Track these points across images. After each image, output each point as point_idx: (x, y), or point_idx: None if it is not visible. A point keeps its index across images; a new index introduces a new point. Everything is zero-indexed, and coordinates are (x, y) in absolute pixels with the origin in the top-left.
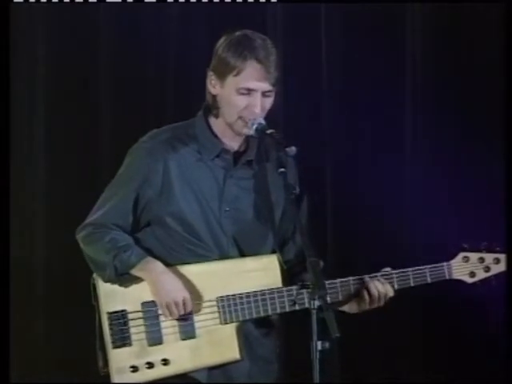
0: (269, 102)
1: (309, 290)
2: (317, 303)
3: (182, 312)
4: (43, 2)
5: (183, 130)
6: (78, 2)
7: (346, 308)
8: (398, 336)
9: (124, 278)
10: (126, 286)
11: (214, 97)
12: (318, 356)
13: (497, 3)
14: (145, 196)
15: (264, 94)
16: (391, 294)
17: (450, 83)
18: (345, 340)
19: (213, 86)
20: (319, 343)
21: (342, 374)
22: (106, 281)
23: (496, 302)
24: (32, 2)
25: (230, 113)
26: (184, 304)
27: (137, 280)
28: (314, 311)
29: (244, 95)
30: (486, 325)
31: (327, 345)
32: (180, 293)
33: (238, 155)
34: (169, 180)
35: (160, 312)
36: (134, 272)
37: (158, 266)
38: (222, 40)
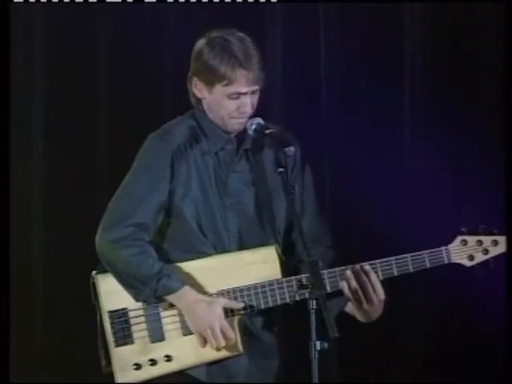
0: (256, 98)
1: (308, 291)
2: (316, 303)
3: (222, 342)
4: (43, 2)
5: (190, 123)
6: (78, 2)
7: (348, 309)
8: (397, 335)
9: (158, 300)
10: None
11: (200, 100)
12: (316, 356)
13: (497, 3)
14: (171, 188)
15: (252, 93)
16: (377, 282)
17: (449, 82)
18: (345, 340)
19: (199, 90)
20: (318, 343)
21: (341, 374)
22: (140, 300)
23: (495, 286)
24: (32, 2)
25: (221, 114)
26: (222, 331)
27: None
28: (313, 311)
29: (234, 99)
30: (485, 314)
31: (326, 345)
32: (216, 320)
33: (239, 144)
34: (188, 173)
35: (162, 309)
36: (170, 298)
37: (193, 294)
38: (202, 43)
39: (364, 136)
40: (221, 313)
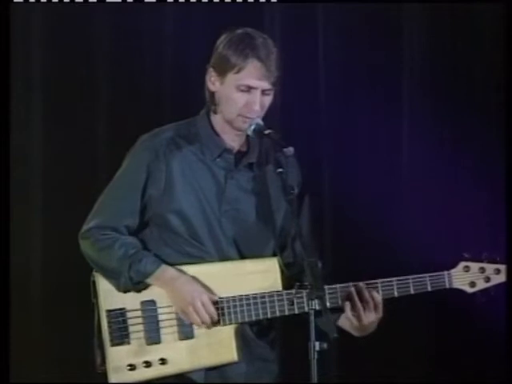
0: (268, 100)
1: (307, 291)
2: (315, 304)
3: (205, 317)
4: (43, 2)
5: (186, 128)
6: (78, 2)
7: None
8: (398, 339)
9: (139, 286)
10: None
11: (213, 94)
12: (315, 356)
13: (497, 3)
14: (147, 194)
15: (263, 93)
16: (379, 299)
17: (448, 83)
18: (344, 340)
19: (212, 82)
20: (317, 343)
21: (341, 374)
22: (120, 290)
23: (495, 313)
24: (32, 2)
25: (230, 110)
26: (204, 306)
27: None
28: (312, 311)
29: (244, 92)
30: (485, 333)
31: (325, 345)
32: (197, 296)
33: (239, 156)
34: (171, 179)
35: (160, 312)
36: (149, 281)
37: (173, 272)
38: (222, 37)
39: (363, 137)
40: (200, 288)
